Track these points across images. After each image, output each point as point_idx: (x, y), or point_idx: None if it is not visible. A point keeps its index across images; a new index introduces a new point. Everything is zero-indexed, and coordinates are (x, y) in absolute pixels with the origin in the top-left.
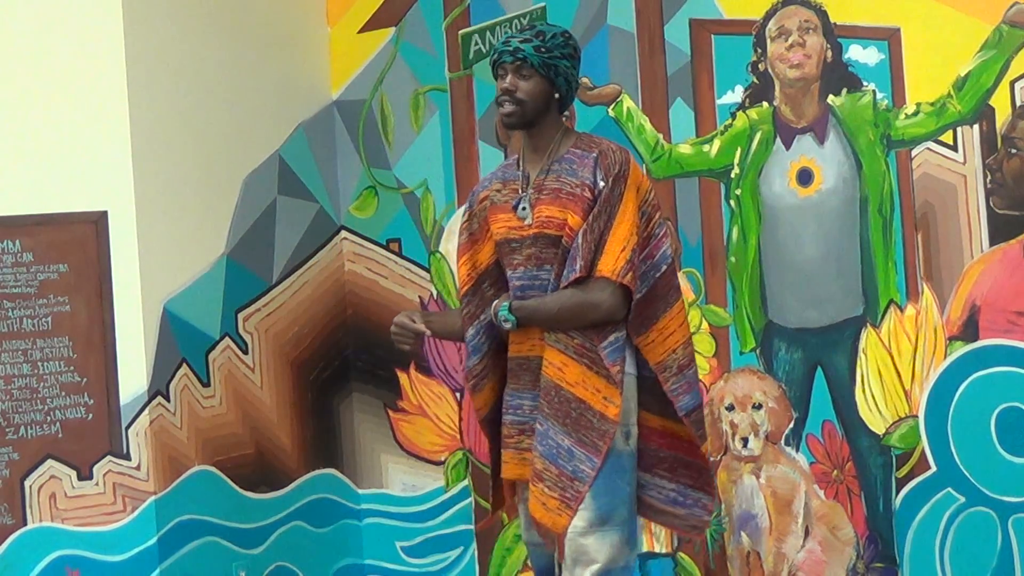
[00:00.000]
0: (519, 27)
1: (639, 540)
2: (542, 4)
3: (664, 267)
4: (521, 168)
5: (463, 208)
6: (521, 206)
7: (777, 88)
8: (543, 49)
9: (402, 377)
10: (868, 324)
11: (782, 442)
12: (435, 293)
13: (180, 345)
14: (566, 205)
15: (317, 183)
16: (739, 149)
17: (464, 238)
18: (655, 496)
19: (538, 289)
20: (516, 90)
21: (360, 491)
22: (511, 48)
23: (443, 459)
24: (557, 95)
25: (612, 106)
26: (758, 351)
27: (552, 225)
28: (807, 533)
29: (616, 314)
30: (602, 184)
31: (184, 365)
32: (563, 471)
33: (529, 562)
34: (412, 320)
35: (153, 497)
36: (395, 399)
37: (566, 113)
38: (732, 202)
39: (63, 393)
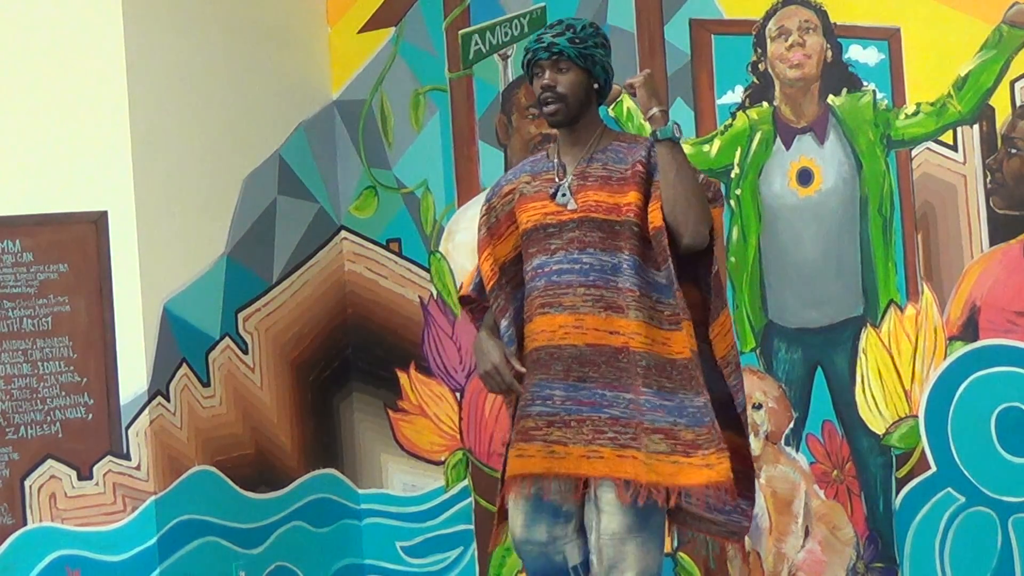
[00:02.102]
0: (519, 27)
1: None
2: (542, 4)
3: (715, 267)
4: (556, 160)
5: (464, 208)
6: (561, 192)
7: (777, 88)
8: (577, 40)
9: (402, 377)
10: (868, 324)
11: (782, 442)
12: (435, 293)
13: (180, 345)
14: (618, 190)
15: (317, 183)
16: (739, 149)
17: (484, 233)
18: (694, 503)
19: (578, 274)
20: (556, 84)
21: (360, 491)
22: (545, 44)
23: (443, 459)
24: (596, 86)
25: (612, 106)
26: (758, 351)
27: (600, 209)
28: (807, 533)
29: (700, 244)
30: None
31: (184, 365)
32: (708, 425)
33: (523, 565)
34: (508, 361)
35: (153, 497)
36: (395, 399)
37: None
38: (732, 202)
39: (63, 393)
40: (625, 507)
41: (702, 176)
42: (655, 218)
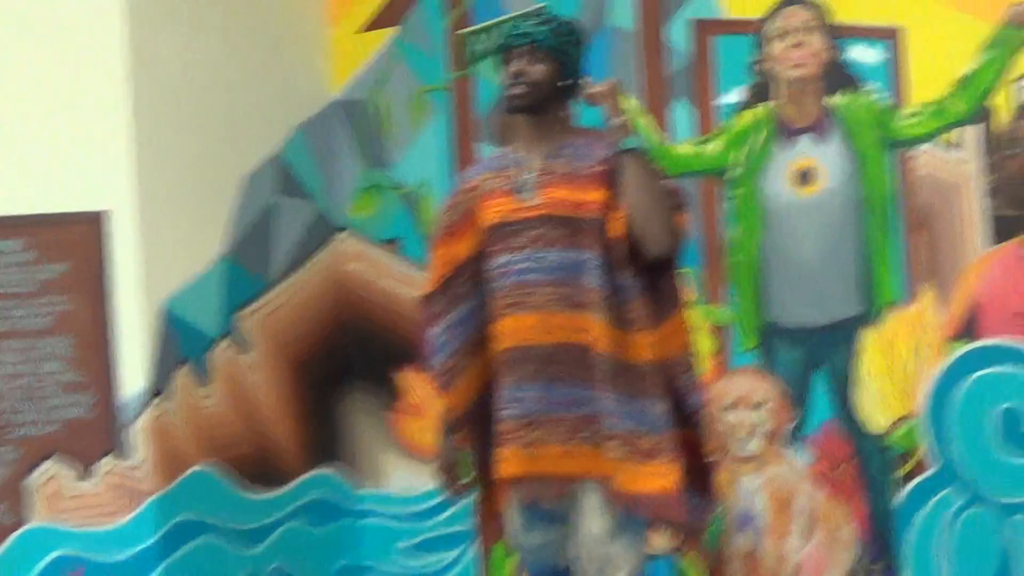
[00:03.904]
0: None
1: None
2: (543, 4)
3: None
4: (519, 155)
5: None
6: (523, 188)
7: (778, 88)
8: (554, 33)
9: (402, 377)
10: (868, 323)
11: (782, 442)
12: None
13: (180, 344)
14: (582, 186)
15: (317, 183)
16: (740, 149)
17: (441, 232)
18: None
19: (543, 272)
20: (526, 73)
21: (359, 491)
22: (521, 31)
23: None
24: (569, 79)
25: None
26: (758, 350)
27: (563, 206)
28: (807, 533)
29: (664, 255)
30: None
31: (184, 364)
32: (667, 434)
33: (524, 568)
34: (451, 470)
35: (153, 496)
36: (394, 399)
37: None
38: (732, 202)
39: (63, 392)
40: (605, 508)
41: (668, 183)
42: (617, 227)
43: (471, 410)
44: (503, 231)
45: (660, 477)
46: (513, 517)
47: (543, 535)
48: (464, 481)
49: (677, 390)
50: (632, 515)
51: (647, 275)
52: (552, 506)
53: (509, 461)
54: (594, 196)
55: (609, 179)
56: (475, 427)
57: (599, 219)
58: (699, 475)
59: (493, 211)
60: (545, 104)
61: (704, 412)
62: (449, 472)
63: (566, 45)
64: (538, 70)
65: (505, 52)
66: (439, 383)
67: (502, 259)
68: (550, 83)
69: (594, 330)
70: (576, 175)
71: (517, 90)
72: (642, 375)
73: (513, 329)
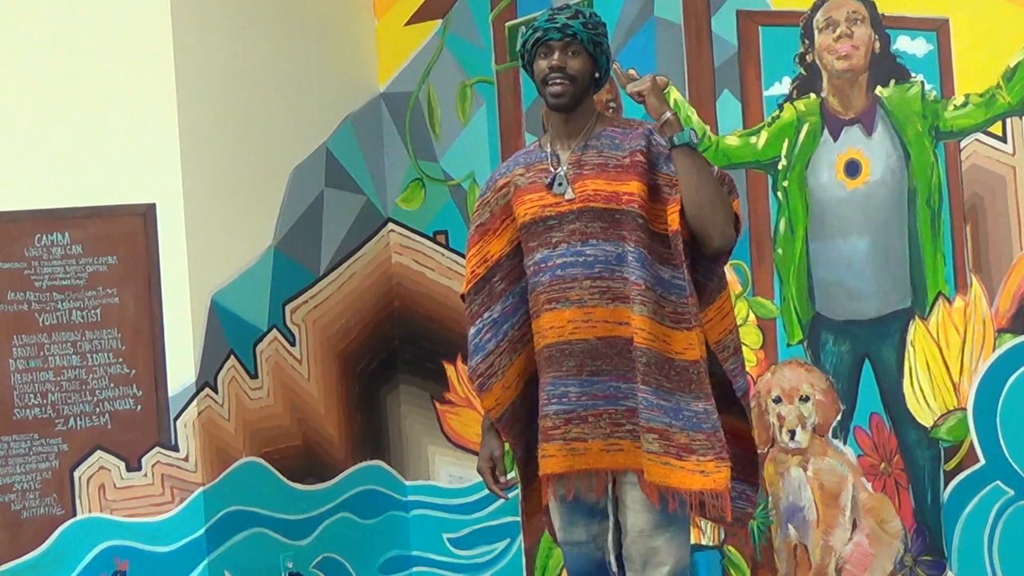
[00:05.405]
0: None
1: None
2: None
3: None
4: (548, 150)
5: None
6: (557, 182)
7: (825, 79)
8: (589, 25)
9: (449, 369)
10: (916, 316)
11: (829, 435)
12: None
13: (228, 337)
14: (617, 177)
15: (364, 175)
16: (786, 141)
17: (473, 231)
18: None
19: (582, 267)
20: (566, 67)
21: (407, 483)
22: (559, 25)
23: None
24: (597, 74)
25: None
26: (805, 343)
27: (599, 198)
28: (854, 526)
29: (730, 245)
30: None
31: (232, 357)
32: (707, 432)
33: (565, 563)
34: (493, 469)
35: (201, 488)
36: (442, 391)
37: (612, 104)
38: (779, 194)
39: (112, 384)
40: (650, 502)
41: (715, 170)
42: (673, 221)
43: (512, 408)
44: (539, 227)
45: (702, 475)
46: (555, 514)
47: (585, 530)
48: (506, 479)
49: (724, 373)
50: (672, 508)
51: (699, 264)
52: (594, 501)
53: (554, 458)
54: (631, 187)
55: (647, 172)
56: (518, 423)
57: (639, 212)
58: (745, 463)
59: (527, 208)
60: (581, 98)
61: (750, 396)
62: (491, 471)
63: (599, 37)
64: (576, 64)
65: (538, 45)
66: (476, 385)
67: (540, 255)
68: (587, 76)
69: (634, 323)
70: (609, 166)
71: (558, 87)
72: (682, 371)
73: (553, 325)
